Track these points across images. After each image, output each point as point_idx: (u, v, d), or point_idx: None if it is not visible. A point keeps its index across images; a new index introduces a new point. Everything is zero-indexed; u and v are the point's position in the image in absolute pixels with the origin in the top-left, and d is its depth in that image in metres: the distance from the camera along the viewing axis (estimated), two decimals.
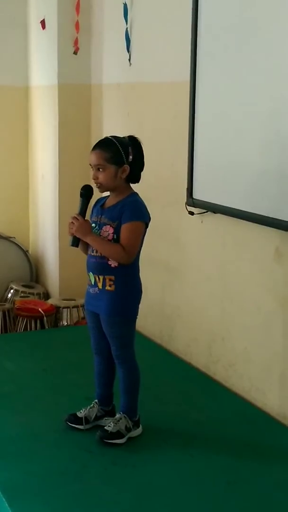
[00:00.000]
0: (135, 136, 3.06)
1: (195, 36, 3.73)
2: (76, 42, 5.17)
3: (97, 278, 3.03)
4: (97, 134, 5.06)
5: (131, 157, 3.00)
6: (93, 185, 3.07)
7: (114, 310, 3.03)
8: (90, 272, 3.07)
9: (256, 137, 3.35)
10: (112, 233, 2.98)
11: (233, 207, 3.54)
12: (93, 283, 3.06)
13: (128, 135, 3.08)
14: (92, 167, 3.01)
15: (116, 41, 4.76)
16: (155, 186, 4.25)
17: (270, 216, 3.25)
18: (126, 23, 4.58)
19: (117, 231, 2.97)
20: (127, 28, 4.58)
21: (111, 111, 5.00)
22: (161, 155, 4.23)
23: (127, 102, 4.75)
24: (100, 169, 2.98)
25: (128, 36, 4.58)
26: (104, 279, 3.01)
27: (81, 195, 3.10)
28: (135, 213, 2.99)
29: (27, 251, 5.78)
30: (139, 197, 3.07)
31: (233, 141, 3.54)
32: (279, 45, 3.14)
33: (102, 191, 3.06)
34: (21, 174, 5.96)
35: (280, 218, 3.18)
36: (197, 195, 3.85)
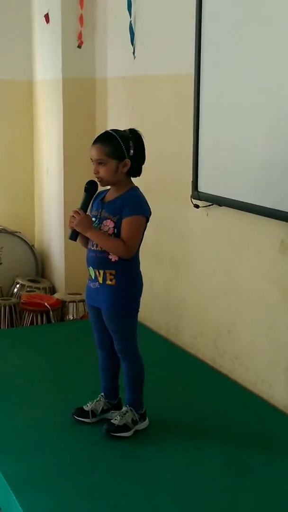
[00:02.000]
0: (136, 129, 3.05)
1: (199, 29, 3.72)
2: (80, 36, 5.17)
3: (97, 273, 3.03)
4: (101, 128, 5.04)
5: (132, 151, 2.98)
6: (95, 180, 3.07)
7: (115, 304, 3.02)
8: (90, 267, 3.06)
9: (261, 129, 3.35)
10: (113, 227, 2.97)
11: (238, 199, 3.53)
12: (93, 277, 3.06)
13: (134, 128, 3.07)
14: (93, 162, 3.00)
15: (120, 35, 4.75)
16: (160, 180, 4.25)
17: (276, 208, 3.25)
18: (130, 16, 4.57)
19: (117, 225, 2.97)
20: (131, 21, 4.57)
21: (116, 105, 4.99)
22: (166, 148, 4.23)
23: (132, 95, 4.74)
24: (101, 164, 2.97)
25: (132, 29, 4.57)
26: (104, 274, 3.01)
27: (85, 189, 3.10)
28: (136, 207, 2.98)
29: (33, 245, 5.79)
30: (140, 191, 3.06)
31: (238, 134, 3.53)
32: (285, 36, 3.12)
33: (103, 185, 3.06)
34: (26, 168, 5.97)
35: (285, 211, 3.18)
36: (202, 188, 3.85)
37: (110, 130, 3.03)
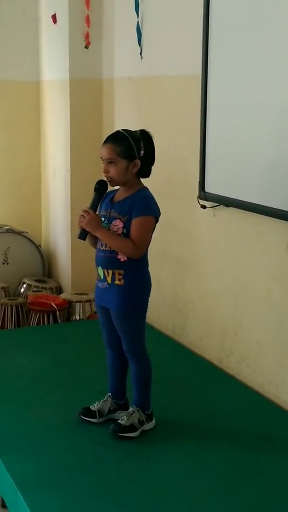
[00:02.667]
0: (147, 131, 3.05)
1: (206, 29, 3.72)
2: (87, 36, 5.17)
3: (106, 273, 3.03)
4: (108, 128, 5.05)
5: (142, 151, 2.99)
6: (104, 179, 3.07)
7: (124, 304, 3.03)
8: (99, 267, 3.07)
9: (268, 130, 3.34)
10: (122, 227, 2.98)
11: (245, 200, 3.53)
12: (102, 277, 3.06)
13: (139, 129, 3.07)
14: (103, 161, 3.01)
15: (127, 35, 4.75)
16: (167, 180, 4.25)
17: (282, 209, 3.24)
18: (137, 17, 4.57)
19: (127, 225, 2.97)
20: (138, 22, 4.57)
21: (123, 105, 5.00)
22: (173, 149, 4.23)
23: (139, 96, 4.74)
24: (111, 163, 2.97)
25: (139, 29, 4.57)
26: (113, 274, 3.01)
27: (95, 189, 3.10)
28: (146, 208, 2.99)
29: (40, 245, 5.80)
30: (149, 191, 3.06)
31: (245, 134, 3.53)
32: None
33: (112, 185, 3.06)
34: (33, 169, 5.98)
35: None
36: (209, 188, 3.85)
37: (122, 130, 3.03)
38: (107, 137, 3.03)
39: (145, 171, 3.05)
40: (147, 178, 3.09)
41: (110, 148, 2.97)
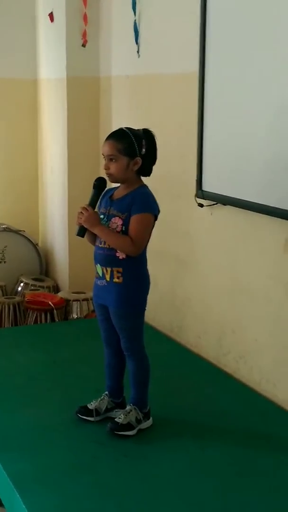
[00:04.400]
0: (150, 130, 3.05)
1: (203, 27, 3.71)
2: (84, 34, 5.16)
3: (104, 270, 3.03)
4: (106, 126, 5.05)
5: (144, 149, 2.99)
6: (104, 176, 3.06)
7: (123, 302, 3.02)
8: (98, 264, 3.06)
9: (265, 128, 3.34)
10: (121, 224, 2.97)
11: (242, 198, 3.53)
12: (100, 275, 3.06)
13: (138, 127, 3.07)
14: (104, 157, 3.00)
15: (124, 33, 4.74)
16: (164, 178, 4.24)
17: (280, 207, 3.24)
18: (135, 15, 4.57)
19: (126, 223, 2.97)
20: (135, 20, 4.57)
21: (120, 103, 4.99)
22: (170, 147, 4.22)
23: (136, 94, 4.74)
24: (113, 160, 2.97)
25: (137, 27, 4.57)
26: (112, 271, 3.01)
27: (94, 186, 3.10)
28: (145, 205, 2.99)
29: (37, 244, 5.79)
30: (149, 189, 3.06)
31: (243, 133, 3.52)
32: None
33: (112, 182, 3.06)
34: (31, 167, 5.97)
35: None
36: (207, 187, 3.84)
37: (124, 127, 3.03)
38: (109, 134, 3.03)
39: (146, 170, 3.05)
40: (146, 177, 3.09)
41: (112, 144, 2.97)
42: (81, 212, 3.02)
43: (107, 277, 3.03)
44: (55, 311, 4.92)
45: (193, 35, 3.82)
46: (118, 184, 3.09)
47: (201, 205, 3.93)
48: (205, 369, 3.94)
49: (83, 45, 5.19)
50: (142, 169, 3.02)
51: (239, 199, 3.56)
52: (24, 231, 5.74)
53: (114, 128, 3.12)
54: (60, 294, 5.26)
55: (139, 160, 2.98)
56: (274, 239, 3.42)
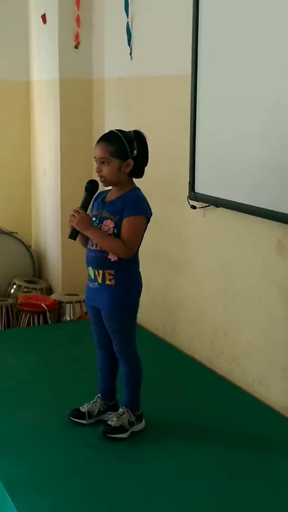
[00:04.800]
0: (141, 131, 3.05)
1: (196, 29, 3.72)
2: (77, 36, 5.16)
3: (96, 273, 3.03)
4: (98, 128, 5.05)
5: (135, 151, 2.99)
6: (97, 179, 3.06)
7: (115, 304, 3.02)
8: (90, 267, 3.06)
9: (258, 130, 3.34)
10: (113, 227, 2.97)
11: (235, 200, 3.53)
12: (92, 277, 3.06)
13: (131, 129, 3.07)
14: (96, 160, 3.00)
15: (117, 35, 4.74)
16: (157, 180, 4.24)
17: (272, 209, 3.24)
18: (127, 17, 4.57)
19: (118, 225, 2.97)
20: (128, 22, 4.57)
21: (113, 105, 4.99)
22: (162, 149, 4.22)
23: (129, 96, 4.74)
24: (104, 163, 2.97)
25: (129, 30, 4.57)
26: (103, 274, 3.01)
27: (86, 189, 3.10)
28: (137, 207, 2.98)
29: (30, 246, 5.78)
30: (141, 192, 3.06)
31: (235, 135, 3.52)
32: (280, 38, 3.12)
33: (105, 185, 3.06)
34: (23, 169, 5.96)
35: (282, 211, 3.18)
36: (199, 189, 3.85)
37: (115, 130, 3.03)
38: (101, 137, 3.03)
39: (138, 172, 3.05)
40: (138, 178, 3.09)
41: (103, 147, 2.97)
42: (73, 215, 3.02)
43: (99, 279, 3.02)
44: (48, 313, 4.91)
45: (185, 38, 3.83)
46: (111, 187, 3.08)
47: (193, 207, 3.94)
48: (198, 371, 3.94)
49: (76, 47, 5.19)
50: (134, 171, 3.02)
51: (231, 201, 3.56)
52: (16, 233, 5.73)
53: (107, 130, 3.11)
54: (53, 296, 5.25)
55: (131, 162, 2.98)
56: (266, 241, 3.42)
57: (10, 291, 5.45)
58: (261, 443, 3.10)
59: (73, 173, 5.20)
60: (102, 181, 3.02)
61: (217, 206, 3.77)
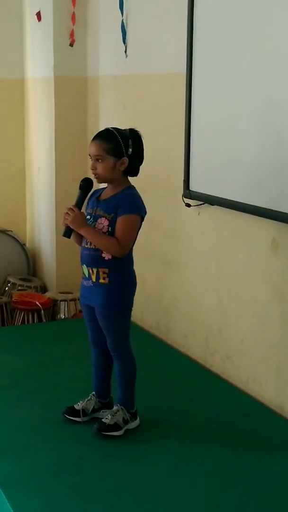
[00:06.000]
0: (136, 130, 3.05)
1: (191, 27, 3.72)
2: (72, 34, 5.15)
3: (90, 271, 3.03)
4: (93, 126, 5.04)
5: (130, 149, 2.99)
6: (91, 176, 3.06)
7: (109, 303, 3.02)
8: (84, 265, 3.06)
9: (252, 128, 3.35)
10: (107, 225, 2.97)
11: (229, 198, 3.53)
12: (86, 275, 3.06)
13: (125, 127, 3.07)
14: (91, 157, 3.00)
15: (112, 33, 4.74)
16: (152, 178, 4.24)
17: (267, 207, 3.25)
18: (122, 15, 4.56)
19: (112, 223, 2.97)
20: (123, 20, 4.57)
21: (108, 103, 4.99)
22: (157, 147, 4.22)
23: (124, 94, 4.73)
24: (99, 160, 2.97)
25: (124, 27, 4.56)
26: (97, 272, 3.01)
27: (80, 187, 3.10)
28: (131, 206, 2.98)
29: (24, 244, 5.77)
30: (136, 190, 3.06)
31: (230, 133, 3.53)
32: (276, 36, 3.13)
33: (99, 182, 3.06)
34: (18, 167, 5.95)
35: (276, 210, 3.18)
36: (194, 187, 3.85)
37: (111, 127, 3.03)
38: (96, 134, 3.03)
39: (133, 170, 3.05)
40: (133, 177, 3.09)
41: (98, 145, 2.97)
42: (67, 213, 3.02)
43: (93, 277, 3.02)
44: (42, 311, 4.91)
45: (180, 36, 3.83)
46: (106, 185, 3.08)
47: (188, 205, 3.94)
48: (192, 369, 3.95)
49: (71, 45, 5.18)
50: (129, 169, 3.02)
51: (226, 199, 3.56)
52: (11, 231, 5.72)
53: (102, 128, 3.11)
54: (47, 294, 5.24)
55: (125, 160, 2.98)
56: (261, 239, 3.43)
57: (4, 289, 5.45)
58: (255, 441, 3.11)
59: (68, 171, 5.19)
60: (96, 178, 3.02)
61: (211, 204, 3.77)
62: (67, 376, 3.76)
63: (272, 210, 3.21)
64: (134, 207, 2.99)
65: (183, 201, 3.95)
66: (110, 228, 2.97)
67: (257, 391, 3.53)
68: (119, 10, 4.57)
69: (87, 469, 2.82)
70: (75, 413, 3.19)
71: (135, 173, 3.07)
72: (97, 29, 5.04)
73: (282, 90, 3.11)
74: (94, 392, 3.24)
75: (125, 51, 4.59)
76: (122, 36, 4.58)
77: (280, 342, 3.35)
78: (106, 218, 2.98)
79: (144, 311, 4.53)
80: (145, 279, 4.40)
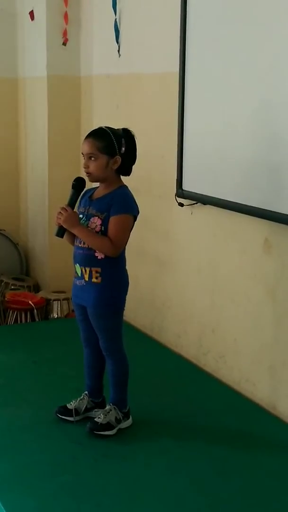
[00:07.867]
0: (130, 129, 3.05)
1: (184, 26, 3.72)
2: (65, 33, 5.15)
3: (83, 270, 3.02)
4: (86, 125, 5.04)
5: (123, 148, 2.99)
6: (84, 175, 3.06)
7: (101, 302, 3.02)
8: (77, 264, 3.06)
9: (245, 128, 3.35)
10: (100, 224, 2.97)
11: (222, 198, 3.53)
12: (79, 275, 3.05)
13: (119, 126, 3.07)
14: (84, 156, 3.00)
15: (105, 32, 4.73)
16: (145, 178, 4.24)
17: (260, 207, 3.25)
18: (115, 14, 4.56)
19: (105, 223, 2.96)
20: (116, 19, 4.56)
21: (101, 103, 4.98)
22: (150, 146, 4.22)
23: (117, 93, 4.73)
24: (92, 158, 2.96)
25: (117, 27, 4.56)
26: (90, 271, 3.00)
27: (73, 186, 3.09)
28: (124, 206, 2.98)
29: (17, 243, 5.76)
30: (129, 189, 3.06)
31: (223, 133, 3.53)
32: (269, 35, 3.13)
33: (92, 181, 3.05)
34: (11, 165, 5.93)
35: (269, 209, 3.18)
36: (187, 186, 3.85)
37: (104, 126, 3.03)
38: (89, 133, 3.03)
39: (126, 169, 3.05)
40: (126, 177, 3.08)
41: (91, 143, 2.97)
42: (60, 212, 3.01)
43: (86, 277, 3.02)
44: (35, 310, 4.90)
45: (173, 35, 3.83)
46: (98, 184, 3.08)
47: (181, 205, 3.94)
48: (185, 368, 3.95)
49: (64, 44, 5.17)
50: (122, 169, 3.02)
51: (219, 198, 3.57)
52: (4, 230, 5.71)
53: (95, 127, 3.11)
54: (40, 294, 5.24)
55: (118, 159, 2.98)
56: (253, 239, 3.43)
57: None
58: (248, 440, 3.11)
59: (61, 170, 5.18)
60: (88, 176, 3.02)
61: (204, 204, 3.77)
62: (60, 375, 3.75)
63: (265, 210, 3.22)
64: (127, 206, 2.99)
65: (176, 200, 3.96)
66: (102, 227, 2.97)
67: (250, 390, 3.53)
68: (112, 9, 4.56)
69: (79, 468, 2.82)
70: (68, 412, 3.18)
71: (127, 172, 3.07)
72: (90, 29, 5.03)
73: (276, 89, 3.11)
74: (86, 392, 3.24)
75: (118, 51, 4.59)
76: (115, 35, 4.58)
77: (273, 341, 3.36)
78: (98, 217, 2.98)
79: (137, 310, 4.52)
80: (138, 279, 4.40)
